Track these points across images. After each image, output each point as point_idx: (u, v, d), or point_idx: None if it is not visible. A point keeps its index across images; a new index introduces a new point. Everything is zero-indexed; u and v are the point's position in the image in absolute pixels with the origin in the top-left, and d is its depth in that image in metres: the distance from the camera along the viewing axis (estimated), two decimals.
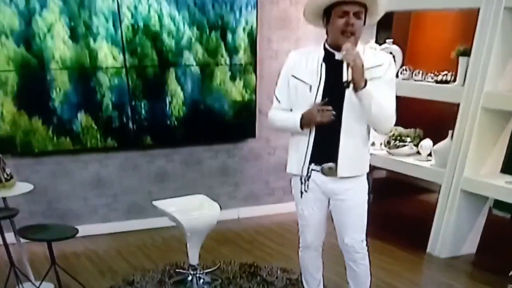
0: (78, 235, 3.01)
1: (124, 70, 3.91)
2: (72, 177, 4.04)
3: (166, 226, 3.53)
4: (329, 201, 2.48)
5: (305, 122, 2.32)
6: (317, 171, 2.39)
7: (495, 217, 4.34)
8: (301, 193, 2.46)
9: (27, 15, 3.59)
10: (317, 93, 2.31)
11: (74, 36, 3.73)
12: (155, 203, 3.28)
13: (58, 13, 3.65)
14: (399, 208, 4.84)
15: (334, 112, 2.27)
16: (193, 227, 3.11)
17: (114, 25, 3.80)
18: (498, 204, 4.13)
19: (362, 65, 2.17)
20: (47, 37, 3.66)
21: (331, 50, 2.31)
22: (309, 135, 2.37)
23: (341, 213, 2.45)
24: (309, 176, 2.41)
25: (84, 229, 3.78)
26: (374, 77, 2.26)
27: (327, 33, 2.33)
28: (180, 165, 4.31)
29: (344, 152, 2.33)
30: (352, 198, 2.42)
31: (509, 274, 3.01)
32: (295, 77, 2.39)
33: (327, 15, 2.28)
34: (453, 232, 3.68)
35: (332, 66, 2.29)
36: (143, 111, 4.02)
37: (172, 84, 4.06)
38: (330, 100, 2.28)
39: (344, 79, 2.16)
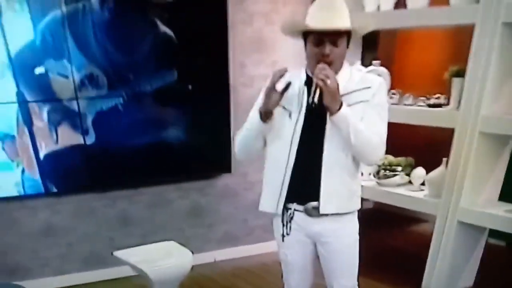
0: None
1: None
2: (18, 227, 3.71)
3: (131, 275, 3.27)
4: (315, 244, 2.29)
5: (262, 107, 2.14)
6: (300, 211, 2.21)
7: (490, 245, 4.20)
8: (283, 236, 2.27)
9: None
10: (297, 120, 2.16)
11: None
12: (116, 253, 3.06)
13: None
14: (388, 240, 4.71)
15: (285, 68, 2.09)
16: (161, 278, 2.91)
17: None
18: (494, 232, 4.08)
19: (337, 87, 2.03)
20: None
21: (311, 75, 2.14)
22: (286, 166, 2.17)
23: (329, 257, 2.27)
24: (292, 218, 2.23)
25: (35, 285, 3.61)
26: (360, 100, 2.13)
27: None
28: (145, 207, 4.06)
29: (326, 186, 2.14)
30: (341, 240, 2.24)
31: None
32: None
33: (304, 37, 2.14)
34: (449, 266, 3.56)
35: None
36: (95, 146, 3.72)
37: (129, 113, 3.79)
38: (311, 128, 2.13)
39: (310, 100, 2.03)
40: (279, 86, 2.08)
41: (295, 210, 2.21)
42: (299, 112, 2.15)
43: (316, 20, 2.07)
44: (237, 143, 2.29)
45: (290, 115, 2.17)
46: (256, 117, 2.15)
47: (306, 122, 2.15)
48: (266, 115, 2.13)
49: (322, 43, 2.06)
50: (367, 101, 2.13)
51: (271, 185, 2.24)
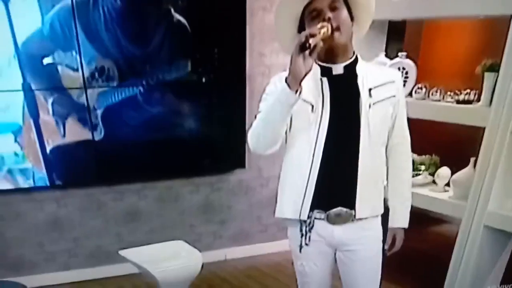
0: (32, 286, 2.76)
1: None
2: (24, 219, 3.66)
3: (137, 272, 3.20)
4: (335, 253, 2.15)
5: (291, 75, 1.81)
6: (321, 219, 2.03)
7: None
8: (301, 247, 2.10)
9: None
10: (322, 112, 1.96)
11: None
12: (122, 252, 3.04)
13: None
14: (407, 242, 4.56)
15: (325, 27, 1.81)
16: (169, 281, 2.87)
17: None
18: None
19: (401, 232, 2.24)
20: None
21: (325, 65, 1.99)
22: (310, 168, 1.98)
23: (352, 267, 2.13)
24: (312, 226, 2.05)
25: (40, 279, 3.61)
26: (388, 96, 2.02)
27: None
28: (154, 202, 3.99)
29: (363, 191, 1.99)
30: (365, 248, 2.10)
31: None
32: None
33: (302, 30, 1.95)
34: (473, 273, 3.42)
35: (334, 80, 1.99)
36: (104, 139, 3.64)
37: (139, 105, 3.70)
38: (341, 123, 1.97)
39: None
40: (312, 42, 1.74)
41: (315, 218, 2.04)
42: (323, 104, 1.96)
43: None
44: (255, 133, 1.97)
45: (312, 109, 1.97)
46: (284, 89, 1.81)
47: (332, 116, 1.96)
48: (297, 83, 1.80)
49: (320, 12, 1.90)
50: (394, 97, 2.03)
51: (292, 190, 2.04)
